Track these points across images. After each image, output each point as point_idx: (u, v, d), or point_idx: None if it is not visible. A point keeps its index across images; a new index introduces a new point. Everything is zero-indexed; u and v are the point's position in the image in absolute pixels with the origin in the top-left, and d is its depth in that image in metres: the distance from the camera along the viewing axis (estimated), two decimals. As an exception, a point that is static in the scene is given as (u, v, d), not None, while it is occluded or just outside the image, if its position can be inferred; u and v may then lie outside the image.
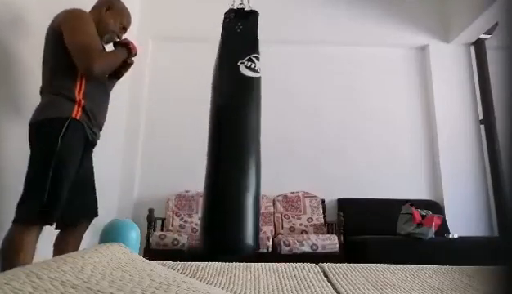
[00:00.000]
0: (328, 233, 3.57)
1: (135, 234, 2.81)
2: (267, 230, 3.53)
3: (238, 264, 1.41)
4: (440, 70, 4.25)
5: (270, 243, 3.15)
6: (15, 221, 1.46)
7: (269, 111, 1.99)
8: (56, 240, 1.67)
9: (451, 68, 4.27)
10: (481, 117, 4.13)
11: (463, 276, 1.32)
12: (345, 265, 1.43)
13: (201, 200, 3.79)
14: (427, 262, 1.54)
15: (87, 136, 1.64)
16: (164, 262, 1.36)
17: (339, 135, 4.12)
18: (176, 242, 3.11)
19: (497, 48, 4.08)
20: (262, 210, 3.58)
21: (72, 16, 1.64)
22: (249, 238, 1.70)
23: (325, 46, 4.35)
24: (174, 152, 3.95)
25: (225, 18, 2.07)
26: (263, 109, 1.93)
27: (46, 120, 1.53)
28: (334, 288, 1.15)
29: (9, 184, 1.83)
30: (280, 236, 3.33)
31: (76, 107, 1.58)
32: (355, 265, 1.44)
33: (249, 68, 1.91)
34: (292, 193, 3.88)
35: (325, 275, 1.30)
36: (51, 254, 1.63)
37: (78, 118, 1.57)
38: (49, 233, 1.59)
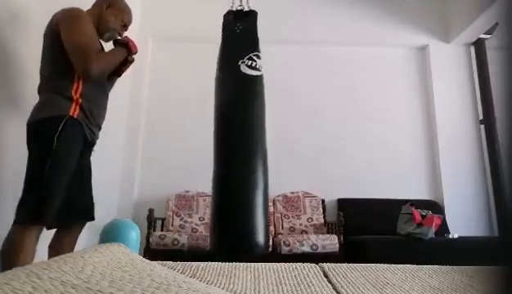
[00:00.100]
0: (328, 233, 3.57)
1: (135, 234, 2.81)
2: (267, 230, 3.53)
3: (238, 264, 1.41)
4: (440, 70, 4.25)
5: (270, 243, 3.15)
6: (15, 222, 1.46)
7: (269, 111, 1.99)
8: (51, 241, 1.66)
9: (451, 68, 4.27)
10: (481, 117, 4.13)
11: (463, 276, 1.32)
12: (345, 265, 1.43)
13: (201, 200, 3.83)
14: (427, 262, 1.54)
15: (85, 135, 1.63)
16: (164, 262, 1.36)
17: (339, 135, 4.12)
18: (176, 242, 3.11)
19: (497, 48, 4.08)
20: (262, 210, 3.59)
21: (69, 16, 1.63)
22: (260, 238, 1.72)
23: (325, 46, 4.35)
24: (174, 152, 3.95)
25: (224, 20, 2.08)
26: (264, 109, 1.94)
27: (43, 119, 1.53)
28: (334, 288, 1.15)
29: (8, 185, 1.83)
30: (280, 236, 3.33)
31: (74, 105, 1.57)
32: (355, 265, 1.43)
33: (249, 66, 1.92)
34: (292, 193, 3.88)
35: (325, 275, 1.30)
36: (47, 256, 1.62)
37: (75, 116, 1.57)
38: (43, 235, 1.58)
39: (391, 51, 4.42)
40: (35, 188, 1.46)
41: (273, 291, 1.11)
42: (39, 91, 1.64)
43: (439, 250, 3.05)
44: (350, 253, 3.18)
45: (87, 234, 2.86)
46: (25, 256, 1.39)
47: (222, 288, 1.12)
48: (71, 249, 1.67)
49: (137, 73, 3.89)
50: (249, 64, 1.92)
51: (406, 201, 3.43)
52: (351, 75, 4.31)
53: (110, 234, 2.65)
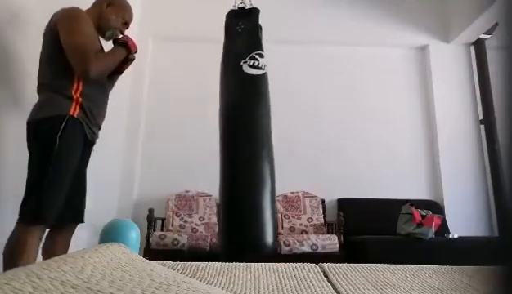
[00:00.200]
0: (328, 233, 3.57)
1: (135, 234, 2.81)
2: (267, 230, 3.53)
3: (238, 264, 1.41)
4: (440, 70, 4.25)
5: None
6: (18, 222, 1.45)
7: (269, 111, 1.99)
8: (44, 243, 1.63)
9: (451, 68, 4.27)
10: (481, 117, 4.13)
11: (463, 276, 1.32)
12: (345, 265, 1.43)
13: (201, 200, 3.83)
14: (427, 262, 1.54)
15: (85, 135, 1.63)
16: (164, 262, 1.36)
17: (339, 135, 4.12)
18: (176, 242, 3.11)
19: (497, 48, 4.07)
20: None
21: (68, 16, 1.62)
22: (268, 238, 1.73)
23: (325, 46, 4.35)
24: (174, 152, 3.94)
25: (226, 19, 2.08)
26: (264, 109, 1.93)
27: (43, 119, 1.53)
28: (334, 288, 1.15)
29: (8, 185, 1.83)
30: (280, 236, 3.32)
31: (74, 105, 1.56)
32: (355, 265, 1.43)
33: (252, 66, 1.92)
34: (292, 193, 3.88)
35: (325, 275, 1.30)
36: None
37: (76, 115, 1.56)
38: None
39: (391, 51, 4.42)
40: (38, 188, 1.46)
41: (273, 291, 1.11)
42: (39, 91, 1.63)
43: (439, 250, 3.05)
44: (350, 253, 3.18)
45: (87, 234, 2.86)
46: (28, 256, 1.39)
47: (222, 288, 1.12)
48: (65, 249, 1.65)
49: (137, 73, 3.89)
50: (252, 63, 1.93)
51: (406, 201, 3.43)
52: (351, 75, 4.30)
53: (110, 234, 2.65)
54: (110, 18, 1.79)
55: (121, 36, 1.83)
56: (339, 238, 3.24)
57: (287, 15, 4.30)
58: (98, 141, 1.79)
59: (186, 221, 3.57)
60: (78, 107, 1.58)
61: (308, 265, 1.40)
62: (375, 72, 4.33)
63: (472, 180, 3.95)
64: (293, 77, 4.24)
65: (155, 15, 4.23)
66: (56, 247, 1.59)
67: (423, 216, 3.16)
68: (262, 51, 2.00)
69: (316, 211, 3.77)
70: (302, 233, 3.56)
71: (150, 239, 3.17)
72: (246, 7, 2.08)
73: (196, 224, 3.55)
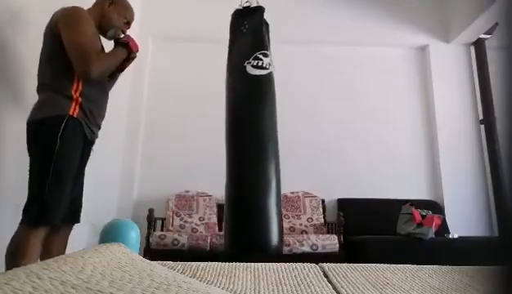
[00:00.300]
0: (328, 233, 3.57)
1: (135, 234, 2.80)
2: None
3: (238, 264, 1.41)
4: (440, 70, 4.25)
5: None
6: (21, 223, 1.45)
7: (269, 111, 2.00)
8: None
9: (451, 68, 4.27)
10: (481, 117, 4.13)
11: (463, 276, 1.32)
12: (345, 265, 1.43)
13: (201, 200, 3.83)
14: (427, 262, 1.54)
15: (85, 135, 1.63)
16: (164, 262, 1.36)
17: (339, 135, 4.12)
18: (176, 242, 3.11)
19: (497, 48, 4.08)
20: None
21: (70, 15, 1.62)
22: (275, 238, 1.74)
23: (325, 46, 4.35)
24: (174, 152, 3.94)
25: (231, 19, 2.08)
26: (264, 109, 1.94)
27: (43, 119, 1.52)
28: (334, 288, 1.15)
29: (8, 185, 1.83)
30: (280, 236, 3.33)
31: (73, 105, 1.56)
32: (355, 265, 1.43)
33: (255, 66, 1.93)
34: (292, 193, 3.88)
35: (325, 275, 1.30)
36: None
37: (75, 115, 1.56)
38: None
39: (391, 51, 4.42)
40: (40, 189, 1.46)
41: (273, 291, 1.11)
42: (39, 91, 1.63)
43: (439, 250, 3.05)
44: (350, 253, 3.18)
45: (87, 234, 2.86)
46: (30, 257, 1.39)
47: (222, 288, 1.12)
48: (62, 248, 1.65)
49: (137, 73, 3.89)
50: (255, 64, 1.93)
51: (406, 201, 3.43)
52: (351, 75, 4.30)
53: (110, 234, 2.64)
54: (112, 17, 1.78)
55: (122, 35, 1.83)
56: (339, 238, 3.24)
57: (287, 15, 4.30)
58: (98, 141, 1.79)
59: (186, 221, 3.57)
60: (77, 107, 1.58)
61: (308, 265, 1.40)
62: (375, 72, 4.33)
63: (472, 180, 3.95)
64: (293, 77, 4.24)
65: (155, 15, 4.23)
66: (52, 247, 1.59)
67: (423, 216, 3.16)
68: (267, 50, 2.00)
69: (316, 211, 3.77)
70: (302, 233, 3.56)
71: (150, 239, 3.16)
72: (251, 6, 2.08)
73: (196, 224, 3.55)
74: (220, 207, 3.72)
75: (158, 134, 4.04)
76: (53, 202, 1.46)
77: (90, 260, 0.84)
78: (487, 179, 3.96)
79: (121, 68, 1.84)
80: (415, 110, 4.27)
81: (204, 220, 3.61)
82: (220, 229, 3.55)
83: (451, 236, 3.29)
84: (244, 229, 1.78)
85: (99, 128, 1.76)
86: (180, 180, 3.83)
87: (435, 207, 3.73)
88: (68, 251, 1.66)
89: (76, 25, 1.60)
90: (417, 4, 4.42)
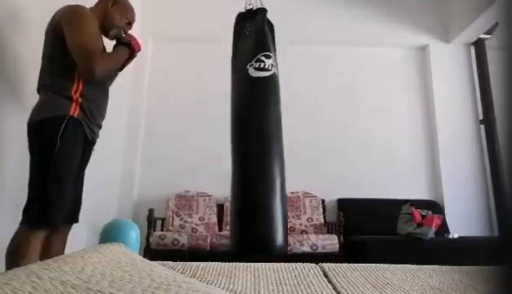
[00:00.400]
0: (328, 233, 3.57)
1: (135, 234, 2.80)
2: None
3: (238, 264, 1.41)
4: (440, 70, 4.25)
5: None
6: (21, 223, 1.45)
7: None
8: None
9: (451, 68, 4.27)
10: (481, 117, 4.13)
11: (463, 276, 1.32)
12: (345, 265, 1.43)
13: (201, 200, 3.84)
14: (427, 262, 1.54)
15: (86, 135, 1.62)
16: (164, 262, 1.36)
17: (339, 135, 4.12)
18: (176, 242, 3.11)
19: (497, 48, 4.07)
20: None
21: (73, 14, 1.60)
22: (279, 238, 1.74)
23: (325, 46, 4.35)
24: (174, 152, 3.94)
25: (235, 22, 2.10)
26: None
27: (44, 119, 1.52)
28: (334, 288, 1.15)
29: (8, 185, 1.83)
30: (280, 236, 3.33)
31: (74, 105, 1.56)
32: (355, 265, 1.43)
33: (257, 68, 1.94)
34: (292, 193, 3.88)
35: (325, 275, 1.30)
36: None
37: (76, 116, 1.56)
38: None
39: (391, 51, 4.42)
40: (41, 190, 1.46)
41: (273, 291, 1.11)
42: (39, 91, 1.63)
43: (439, 250, 3.05)
44: (350, 253, 3.18)
45: (87, 234, 2.86)
46: (31, 257, 1.39)
47: (222, 288, 1.12)
48: (61, 248, 1.65)
49: (137, 73, 3.89)
50: (257, 66, 1.94)
51: (406, 201, 3.43)
52: (351, 75, 4.30)
53: (110, 234, 2.64)
54: (115, 17, 1.78)
55: (124, 35, 1.83)
56: (339, 238, 3.24)
57: (287, 15, 4.30)
58: (98, 141, 1.79)
59: (186, 221, 3.57)
60: (78, 107, 1.57)
61: (308, 265, 1.40)
62: (375, 72, 4.33)
63: (472, 180, 3.95)
64: (293, 77, 4.24)
65: (155, 15, 4.23)
66: (51, 247, 1.58)
67: (423, 216, 3.16)
68: (270, 51, 2.00)
69: (316, 211, 3.77)
70: (302, 233, 3.56)
71: (150, 239, 3.16)
72: (254, 8, 2.09)
73: (196, 224, 3.55)
74: (220, 207, 3.72)
75: (158, 134, 4.04)
76: (54, 203, 1.46)
77: (90, 260, 0.84)
78: (487, 179, 3.96)
79: (121, 67, 1.84)
80: (415, 110, 4.27)
81: (204, 220, 3.61)
82: (220, 229, 3.55)
83: (451, 236, 3.29)
84: (249, 229, 1.79)
85: (100, 128, 1.76)
86: (180, 180, 3.83)
87: (435, 207, 3.73)
88: (67, 251, 1.65)
89: (80, 24, 1.59)
90: (417, 4, 4.42)
